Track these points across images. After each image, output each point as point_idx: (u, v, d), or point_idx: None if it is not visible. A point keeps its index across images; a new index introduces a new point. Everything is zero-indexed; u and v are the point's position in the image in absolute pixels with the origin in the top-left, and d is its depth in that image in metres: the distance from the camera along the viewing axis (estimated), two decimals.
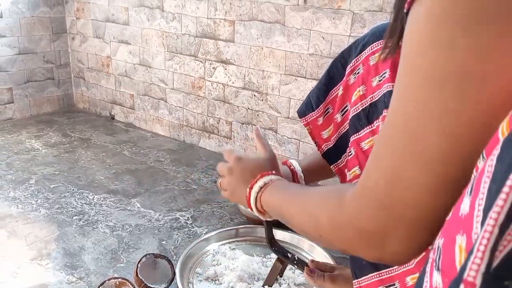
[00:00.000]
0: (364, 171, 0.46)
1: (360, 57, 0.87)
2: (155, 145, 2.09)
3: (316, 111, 0.96)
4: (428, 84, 0.40)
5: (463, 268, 0.31)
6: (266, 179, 0.75)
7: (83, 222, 1.39)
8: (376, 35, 0.84)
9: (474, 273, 0.30)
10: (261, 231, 1.28)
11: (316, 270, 0.98)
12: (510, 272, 0.30)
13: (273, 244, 1.03)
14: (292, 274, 1.14)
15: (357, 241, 0.47)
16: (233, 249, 1.25)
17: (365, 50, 0.85)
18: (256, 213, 0.77)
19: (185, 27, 1.95)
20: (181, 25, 1.97)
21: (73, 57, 2.51)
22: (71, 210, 1.45)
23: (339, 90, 0.91)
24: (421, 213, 0.42)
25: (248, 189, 0.76)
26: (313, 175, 1.02)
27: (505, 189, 0.30)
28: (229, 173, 0.82)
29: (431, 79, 0.40)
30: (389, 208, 0.43)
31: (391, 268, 0.67)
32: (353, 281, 0.73)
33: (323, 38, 1.57)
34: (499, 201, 0.30)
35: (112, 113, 2.44)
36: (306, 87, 1.65)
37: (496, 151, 0.33)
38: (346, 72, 0.89)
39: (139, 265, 1.06)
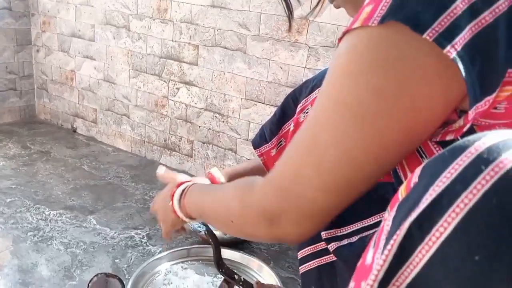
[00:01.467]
0: (276, 164, 0.55)
1: (309, 98, 0.96)
2: (116, 160, 2.12)
3: (269, 143, 1.04)
4: (334, 108, 0.49)
5: None
6: (183, 186, 0.81)
7: (37, 238, 1.40)
8: (323, 79, 0.94)
9: None
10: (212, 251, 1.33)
11: None
12: None
13: (220, 266, 1.09)
14: None
15: (259, 220, 0.55)
16: (185, 268, 1.29)
17: (314, 92, 0.95)
18: (185, 219, 0.82)
19: (150, 48, 2.01)
20: (146, 45, 2.02)
21: (37, 69, 2.50)
22: (26, 226, 1.46)
23: (290, 126, 1.00)
24: (310, 205, 0.51)
25: (170, 202, 0.82)
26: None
27: (385, 251, 0.37)
28: (156, 197, 0.90)
29: (336, 105, 0.48)
30: (286, 195, 0.52)
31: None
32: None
33: (281, 68, 1.66)
34: (380, 261, 0.37)
35: (74, 126, 2.45)
36: (264, 112, 1.74)
37: (393, 213, 0.40)
38: (297, 110, 0.98)
39: (90, 284, 1.10)
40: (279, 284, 1.18)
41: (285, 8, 0.74)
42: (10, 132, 2.33)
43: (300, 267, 0.80)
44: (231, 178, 1.06)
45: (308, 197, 0.50)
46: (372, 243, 0.42)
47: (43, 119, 2.57)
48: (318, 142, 0.49)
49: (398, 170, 0.57)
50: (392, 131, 0.46)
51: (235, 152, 1.86)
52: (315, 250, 0.77)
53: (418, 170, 0.40)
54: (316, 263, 0.78)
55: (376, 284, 0.38)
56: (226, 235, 1.44)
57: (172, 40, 1.93)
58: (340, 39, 0.50)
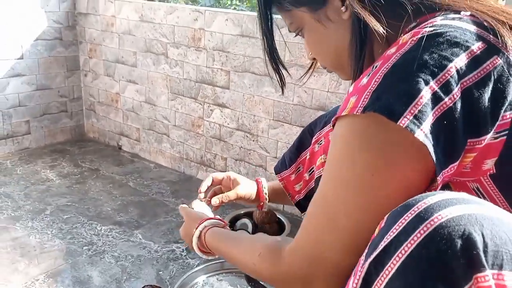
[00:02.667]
0: (298, 232, 0.66)
1: (322, 131, 1.11)
2: (158, 176, 2.31)
3: (289, 169, 1.19)
4: (339, 184, 0.61)
5: None
6: (206, 223, 0.92)
7: (91, 252, 1.60)
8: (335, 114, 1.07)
9: None
10: None
11: None
12: None
13: (250, 280, 1.23)
14: None
15: (292, 284, 0.66)
16: (220, 280, 1.45)
17: (326, 127, 1.09)
18: (199, 254, 0.93)
19: (186, 73, 2.18)
20: (183, 71, 2.19)
21: (85, 92, 2.75)
22: (82, 241, 1.67)
23: (307, 155, 1.14)
24: (334, 266, 0.61)
25: (192, 236, 0.93)
26: (275, 197, 1.21)
27: (354, 284, 0.50)
28: (181, 231, 1.01)
29: (340, 181, 0.61)
30: (312, 262, 0.63)
31: None
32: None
33: (306, 92, 1.78)
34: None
35: (119, 144, 2.67)
36: (291, 132, 1.87)
37: (366, 249, 0.53)
38: (312, 141, 1.13)
39: None
40: None
41: (278, 80, 0.84)
42: (63, 151, 2.58)
43: None
44: (273, 190, 1.19)
45: (331, 260, 0.61)
46: (352, 273, 0.55)
47: (92, 137, 2.81)
48: (332, 213, 0.61)
49: None
50: (388, 196, 0.57)
51: (265, 169, 2.00)
52: None
53: (385, 218, 0.52)
54: None
55: None
56: None
57: (206, 66, 2.09)
58: (334, 121, 0.62)
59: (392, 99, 0.54)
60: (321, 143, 1.10)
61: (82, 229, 1.75)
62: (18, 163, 2.36)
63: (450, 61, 0.54)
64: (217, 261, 1.51)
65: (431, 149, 0.53)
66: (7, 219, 1.79)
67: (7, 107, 2.42)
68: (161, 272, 1.50)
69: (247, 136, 2.04)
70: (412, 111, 0.53)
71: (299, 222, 0.81)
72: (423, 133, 0.53)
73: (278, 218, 1.26)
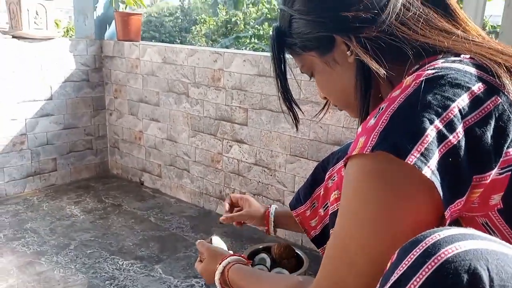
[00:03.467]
0: (318, 273, 0.69)
1: (335, 167, 1.14)
2: (178, 211, 2.36)
3: (304, 205, 1.22)
4: (354, 222, 0.63)
5: None
6: (229, 259, 0.96)
7: (113, 286, 1.63)
8: (347, 151, 1.11)
9: None
10: None
11: None
12: None
13: None
14: None
15: None
16: None
17: (339, 163, 1.12)
18: None
19: (206, 111, 2.26)
20: (203, 109, 2.28)
21: (110, 130, 2.86)
22: (104, 275, 1.71)
23: (321, 190, 1.17)
24: None
25: (214, 271, 0.96)
26: (283, 224, 1.25)
27: None
28: (201, 259, 1.04)
29: (355, 220, 0.63)
30: None
31: None
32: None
33: (321, 127, 1.83)
34: None
35: (141, 179, 2.74)
36: (308, 166, 1.90)
37: (378, 284, 0.55)
38: (326, 177, 1.16)
39: None
40: None
41: (292, 118, 0.89)
42: (87, 187, 2.66)
43: None
44: (281, 221, 1.24)
45: None
46: None
47: (115, 174, 2.90)
48: (349, 255, 0.64)
49: None
50: (402, 232, 0.59)
51: (283, 203, 2.03)
52: None
53: (396, 252, 0.55)
54: None
55: None
56: None
57: (225, 104, 2.17)
58: (345, 161, 0.66)
59: (399, 138, 0.57)
60: (334, 179, 1.13)
61: (104, 264, 1.79)
62: (45, 199, 2.45)
63: (453, 101, 0.57)
64: None
65: (438, 185, 0.56)
66: (33, 254, 1.85)
67: (36, 145, 2.54)
68: None
69: (264, 171, 2.08)
70: (418, 149, 0.56)
71: (317, 257, 0.83)
72: (430, 170, 0.55)
73: (296, 253, 1.28)
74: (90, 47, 2.69)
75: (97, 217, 2.24)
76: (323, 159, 1.22)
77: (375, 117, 0.62)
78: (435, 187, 0.56)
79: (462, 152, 0.57)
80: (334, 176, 1.13)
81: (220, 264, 0.95)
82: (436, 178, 0.56)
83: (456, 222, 0.63)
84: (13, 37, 2.37)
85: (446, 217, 0.58)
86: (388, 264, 0.55)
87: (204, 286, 1.65)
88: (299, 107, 0.87)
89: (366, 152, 0.59)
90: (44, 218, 2.21)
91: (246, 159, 2.15)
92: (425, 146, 0.56)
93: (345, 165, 0.66)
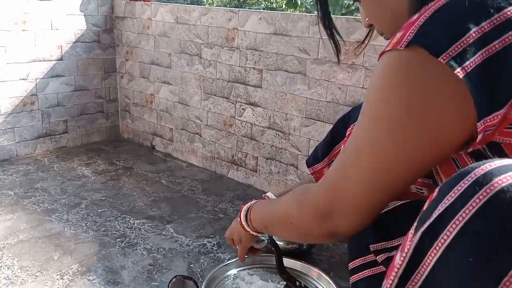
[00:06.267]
0: (328, 170, 0.67)
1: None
2: (189, 174, 2.33)
3: (321, 162, 1.17)
4: (371, 122, 0.60)
5: None
6: (248, 204, 0.97)
7: (124, 244, 1.62)
8: None
9: None
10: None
11: None
12: None
13: (282, 272, 1.21)
14: None
15: (314, 217, 0.67)
16: (251, 274, 1.43)
17: None
18: (252, 233, 0.98)
19: (219, 73, 2.20)
20: (216, 71, 2.22)
21: (121, 93, 2.81)
22: (115, 233, 1.69)
23: (340, 148, 1.12)
24: (354, 199, 0.62)
25: (239, 219, 0.99)
26: None
27: (403, 254, 0.48)
28: (229, 230, 1.10)
29: (373, 119, 0.60)
30: (334, 192, 0.63)
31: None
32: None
33: (339, 88, 1.76)
34: (399, 261, 0.48)
35: (153, 144, 2.71)
36: (323, 130, 1.84)
37: (415, 223, 0.51)
38: (346, 133, 1.10)
39: (170, 284, 1.27)
40: None
41: (333, 46, 0.86)
42: (98, 150, 2.64)
43: (350, 277, 0.90)
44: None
45: (352, 192, 0.62)
46: (400, 248, 0.52)
47: (126, 138, 2.87)
48: (359, 151, 0.61)
49: (437, 180, 0.67)
50: (419, 140, 0.56)
51: (297, 168, 1.98)
52: (365, 262, 0.86)
53: (437, 190, 0.50)
54: (366, 273, 0.87)
55: (396, 280, 0.48)
56: (289, 245, 1.56)
57: (239, 66, 2.10)
58: (378, 60, 0.61)
59: (438, 35, 0.53)
60: None
61: (115, 222, 1.77)
62: (55, 160, 2.43)
63: (510, 4, 0.53)
64: (248, 257, 1.49)
65: (472, 89, 0.51)
66: (44, 212, 1.83)
67: (46, 106, 2.51)
68: (192, 265, 1.50)
69: (278, 134, 2.03)
70: (456, 49, 0.52)
71: None
72: (465, 71, 0.51)
73: None
74: (101, 7, 2.62)
75: (108, 178, 2.22)
76: (343, 114, 1.16)
77: (418, 13, 0.58)
78: (468, 91, 0.51)
79: (507, 60, 0.51)
80: None
81: (240, 215, 0.98)
82: (471, 82, 0.51)
83: (495, 148, 0.57)
84: None
85: (478, 130, 0.53)
86: (426, 204, 0.50)
87: (216, 246, 1.62)
88: (340, 36, 0.83)
89: (401, 48, 0.55)
90: (55, 178, 2.19)
91: (260, 122, 2.10)
92: (464, 46, 0.51)
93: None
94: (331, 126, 1.79)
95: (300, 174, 1.97)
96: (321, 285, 1.37)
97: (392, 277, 0.49)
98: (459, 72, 0.51)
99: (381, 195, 0.61)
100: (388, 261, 0.79)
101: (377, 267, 0.84)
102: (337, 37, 0.84)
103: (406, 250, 0.48)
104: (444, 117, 0.54)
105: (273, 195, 1.18)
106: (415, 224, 0.50)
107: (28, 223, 1.74)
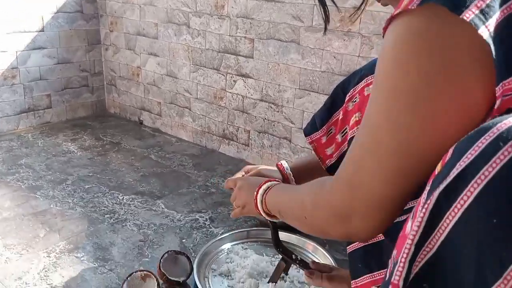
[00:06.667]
0: (342, 161, 0.60)
1: (357, 87, 1.01)
2: (179, 149, 2.26)
3: (320, 131, 1.10)
4: (388, 97, 0.53)
5: (391, 273, 0.45)
6: (268, 184, 0.89)
7: (113, 220, 1.56)
8: (371, 69, 0.98)
9: (398, 278, 0.44)
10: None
11: (315, 271, 1.11)
12: (427, 277, 0.43)
13: (278, 245, 1.17)
14: (297, 273, 1.28)
15: (330, 218, 0.60)
16: (245, 248, 1.39)
17: (361, 82, 1.00)
18: (265, 216, 0.91)
19: (209, 43, 2.12)
20: (205, 41, 2.13)
21: (106, 66, 2.71)
22: (103, 209, 1.63)
23: (339, 115, 1.06)
24: (374, 196, 0.55)
25: (254, 195, 0.90)
26: (302, 175, 1.15)
27: (419, 218, 0.43)
28: (239, 190, 0.97)
29: (390, 94, 0.53)
30: (354, 190, 0.56)
31: (382, 270, 0.80)
32: (351, 281, 0.86)
33: (334, 57, 1.70)
34: (415, 227, 0.43)
35: (140, 119, 2.63)
36: (318, 101, 1.79)
37: (428, 186, 0.46)
38: (346, 99, 1.03)
39: (161, 260, 1.22)
40: (334, 265, 1.24)
41: (323, 14, 0.78)
42: (84, 125, 2.55)
43: (347, 247, 0.86)
44: (299, 173, 1.14)
45: (371, 187, 0.54)
46: (411, 215, 0.47)
47: (113, 113, 2.78)
48: (375, 134, 0.54)
49: None
50: (443, 113, 0.49)
51: (290, 141, 1.93)
52: (374, 278, 0.82)
53: (451, 149, 0.45)
54: (362, 243, 0.83)
55: (412, 247, 0.43)
56: None
57: (229, 35, 2.02)
58: (384, 28, 0.55)
59: None
60: (355, 101, 1.00)
61: (103, 198, 1.71)
62: (39, 136, 2.34)
63: None
64: (242, 230, 1.45)
65: (494, 49, 0.46)
66: (28, 188, 1.76)
67: (29, 80, 2.40)
68: (184, 240, 1.46)
69: (271, 107, 1.97)
70: (479, 4, 0.46)
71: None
72: (488, 31, 0.46)
73: None
74: None
75: (95, 154, 2.15)
76: (343, 80, 1.09)
77: None
78: (492, 52, 0.46)
79: None
80: (356, 98, 1.00)
81: (261, 187, 0.89)
82: (493, 43, 0.46)
83: None
84: None
85: (497, 95, 0.47)
86: (439, 167, 0.45)
87: (208, 220, 1.58)
88: (333, 1, 0.76)
89: (413, 7, 0.48)
90: (39, 154, 2.11)
91: (252, 94, 2.03)
92: (487, 2, 0.46)
93: (384, 36, 0.55)
94: (326, 97, 1.74)
95: (293, 147, 1.92)
96: (317, 258, 1.34)
97: (408, 245, 0.44)
98: (483, 31, 0.45)
99: (402, 186, 0.53)
100: (388, 230, 0.75)
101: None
102: (330, 2, 0.76)
103: (421, 215, 0.43)
104: (470, 84, 0.48)
105: (286, 164, 1.12)
106: (427, 188, 0.45)
107: (13, 200, 1.67)
